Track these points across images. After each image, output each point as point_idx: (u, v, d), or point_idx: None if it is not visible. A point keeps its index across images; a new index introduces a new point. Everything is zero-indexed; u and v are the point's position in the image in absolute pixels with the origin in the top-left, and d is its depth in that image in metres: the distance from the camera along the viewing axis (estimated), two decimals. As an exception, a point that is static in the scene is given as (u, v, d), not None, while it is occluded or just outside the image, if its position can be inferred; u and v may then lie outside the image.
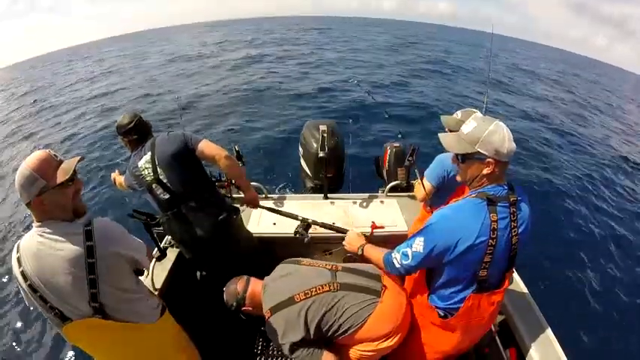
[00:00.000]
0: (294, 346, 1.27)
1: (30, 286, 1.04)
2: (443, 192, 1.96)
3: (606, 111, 13.16)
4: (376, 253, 1.38)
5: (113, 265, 1.11)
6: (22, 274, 1.04)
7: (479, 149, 1.07)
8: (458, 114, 1.91)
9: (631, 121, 12.07)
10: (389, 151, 2.99)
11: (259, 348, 2.09)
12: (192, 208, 1.75)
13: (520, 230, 1.11)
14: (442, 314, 1.26)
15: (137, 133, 1.79)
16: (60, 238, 1.03)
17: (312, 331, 1.27)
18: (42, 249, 1.03)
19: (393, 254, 1.27)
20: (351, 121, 7.42)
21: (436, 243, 1.11)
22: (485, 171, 1.09)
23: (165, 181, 1.72)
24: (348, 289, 1.30)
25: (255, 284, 1.46)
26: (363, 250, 1.43)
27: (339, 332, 1.29)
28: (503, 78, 15.51)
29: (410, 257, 1.18)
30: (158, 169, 1.72)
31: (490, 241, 1.06)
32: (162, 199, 1.74)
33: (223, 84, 12.74)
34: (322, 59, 17.85)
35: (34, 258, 1.03)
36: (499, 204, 1.08)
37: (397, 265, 1.24)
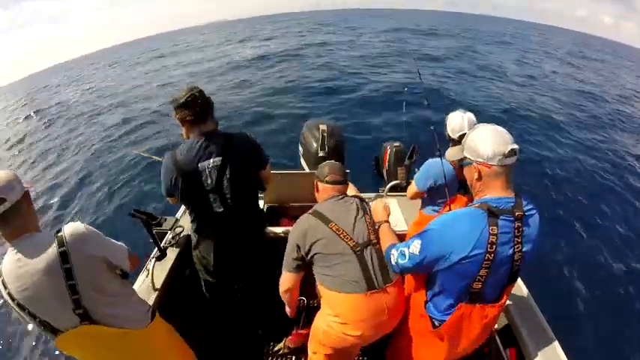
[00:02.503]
0: (297, 249, 1.40)
1: (18, 304, 1.05)
2: (435, 197, 1.96)
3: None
4: (386, 239, 1.38)
5: (90, 267, 1.11)
6: (9, 295, 1.05)
7: (465, 154, 1.11)
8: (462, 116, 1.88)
9: None
10: (389, 150, 2.99)
11: (260, 349, 2.08)
12: (238, 226, 1.62)
13: (525, 249, 1.06)
14: (437, 324, 1.23)
15: (193, 110, 1.47)
16: (35, 252, 1.04)
17: (308, 254, 1.38)
18: (21, 266, 1.03)
19: (392, 250, 1.27)
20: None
21: (431, 249, 1.10)
22: (476, 176, 1.08)
23: (227, 193, 1.51)
24: (359, 262, 1.32)
25: (321, 194, 1.58)
26: (380, 226, 1.44)
27: (318, 274, 1.38)
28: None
29: (406, 257, 1.17)
30: (224, 181, 1.50)
31: (487, 255, 1.02)
32: (215, 211, 1.53)
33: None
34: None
35: (16, 278, 1.03)
36: (502, 217, 1.02)
37: (393, 262, 1.25)
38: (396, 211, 2.43)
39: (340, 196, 1.52)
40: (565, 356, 1.41)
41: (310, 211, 1.48)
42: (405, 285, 1.48)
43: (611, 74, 17.90)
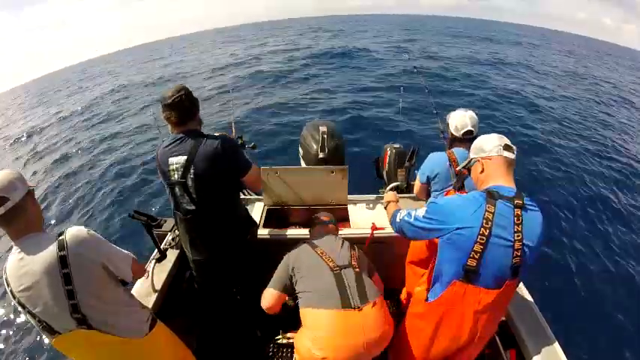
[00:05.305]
0: (287, 268, 1.53)
1: (18, 302, 1.06)
2: (433, 189, 2.00)
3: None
4: (392, 208, 1.53)
5: (89, 273, 1.10)
6: (11, 292, 1.06)
7: (471, 155, 1.30)
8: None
9: None
10: (389, 152, 3.00)
11: (259, 350, 2.08)
12: (214, 223, 1.65)
13: (527, 242, 1.08)
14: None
15: (177, 112, 1.53)
16: (36, 253, 1.05)
17: (293, 275, 1.49)
18: (22, 266, 1.04)
19: (401, 210, 1.39)
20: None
21: (433, 217, 1.21)
22: (479, 169, 1.24)
23: (192, 192, 1.56)
24: (335, 280, 1.39)
25: (314, 231, 1.80)
26: (387, 205, 1.64)
27: (299, 295, 1.44)
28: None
29: (412, 217, 1.29)
30: (189, 180, 1.55)
31: (482, 229, 1.07)
32: (185, 208, 1.61)
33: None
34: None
35: (17, 277, 1.05)
36: (500, 201, 1.10)
37: (398, 219, 1.37)
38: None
39: (332, 235, 1.70)
40: (565, 357, 1.42)
41: (306, 242, 1.63)
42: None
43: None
